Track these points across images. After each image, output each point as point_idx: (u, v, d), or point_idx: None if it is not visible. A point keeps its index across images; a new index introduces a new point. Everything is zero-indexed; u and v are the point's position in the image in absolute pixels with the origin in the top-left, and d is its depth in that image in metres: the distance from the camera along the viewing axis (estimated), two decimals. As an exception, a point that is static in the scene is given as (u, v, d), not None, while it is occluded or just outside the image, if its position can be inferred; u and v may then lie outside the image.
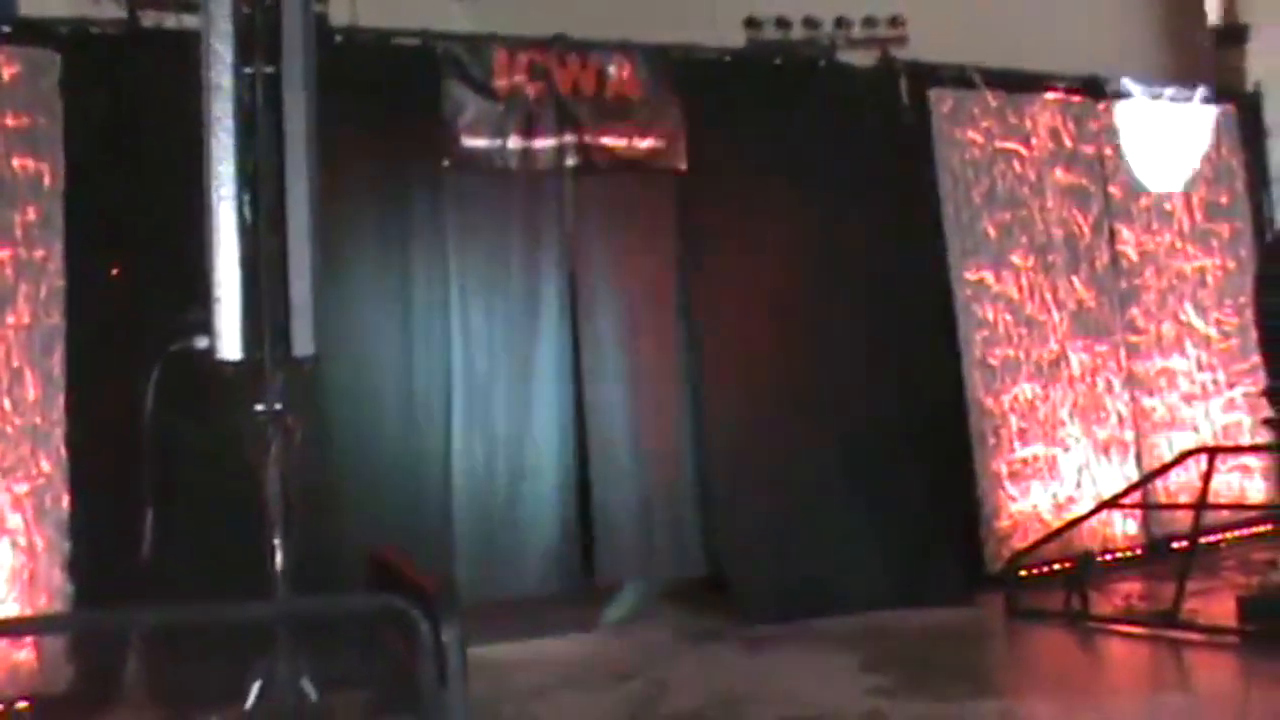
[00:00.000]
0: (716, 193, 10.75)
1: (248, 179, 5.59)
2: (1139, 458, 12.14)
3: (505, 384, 10.15)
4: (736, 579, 10.43)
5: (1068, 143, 12.28)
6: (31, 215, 8.67)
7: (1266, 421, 10.23)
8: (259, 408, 5.73)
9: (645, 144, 10.57)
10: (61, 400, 8.59)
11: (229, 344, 5.47)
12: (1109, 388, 12.12)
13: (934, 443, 11.00)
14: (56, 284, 8.68)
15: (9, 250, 8.61)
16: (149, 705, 7.99)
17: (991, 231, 11.70)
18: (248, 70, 5.62)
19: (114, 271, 8.79)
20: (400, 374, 9.72)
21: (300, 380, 5.87)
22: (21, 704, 8.13)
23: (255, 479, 5.79)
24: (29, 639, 8.19)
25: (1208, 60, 14.21)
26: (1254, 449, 12.78)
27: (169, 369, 5.84)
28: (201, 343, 5.30)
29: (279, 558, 5.78)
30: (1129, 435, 12.17)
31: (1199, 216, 13.01)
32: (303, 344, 5.63)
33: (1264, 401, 12.61)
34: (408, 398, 9.71)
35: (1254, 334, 12.84)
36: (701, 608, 10.46)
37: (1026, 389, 11.64)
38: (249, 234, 5.55)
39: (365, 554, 7.26)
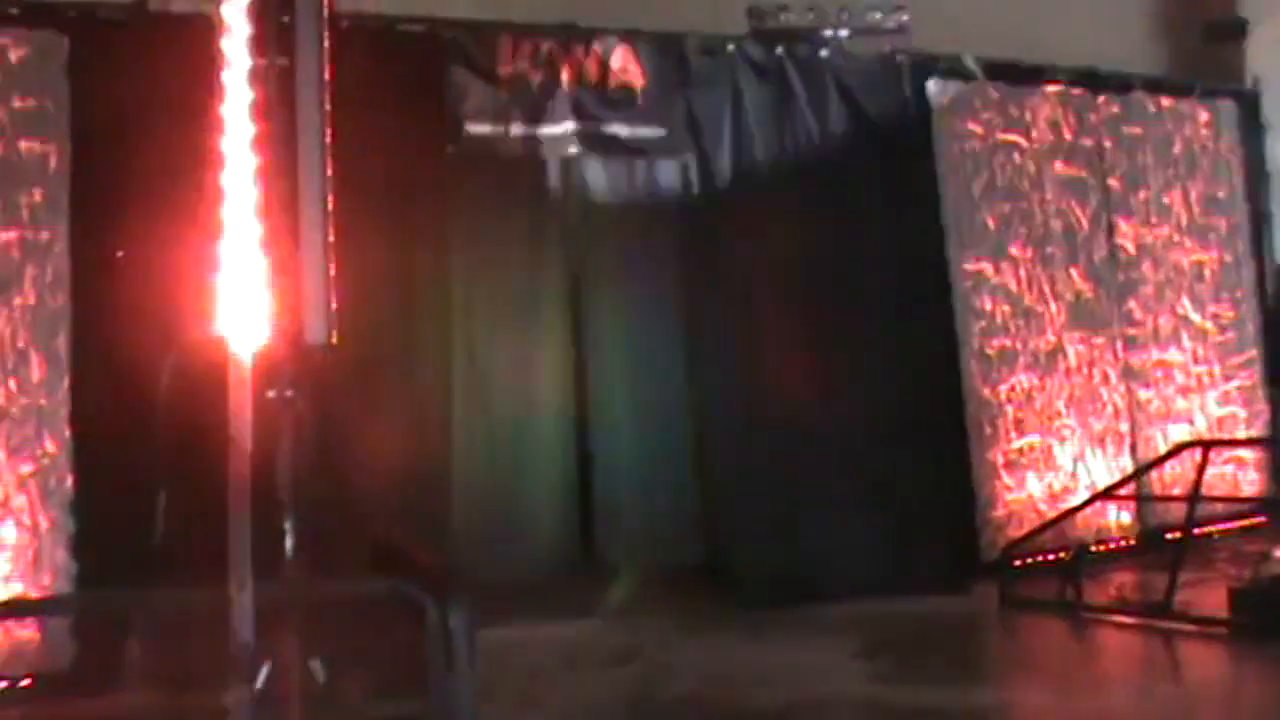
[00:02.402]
0: (718, 181, 10.79)
1: (260, 168, 5.63)
2: (1134, 449, 12.20)
3: (506, 370, 10.21)
4: (735, 565, 10.51)
5: (1067, 135, 12.31)
6: (38, 197, 8.69)
7: None
8: (271, 393, 5.79)
9: (648, 132, 10.61)
10: (66, 381, 8.62)
11: (242, 331, 5.51)
12: (1105, 379, 12.17)
13: (931, 432, 11.06)
14: (62, 265, 8.70)
15: (15, 232, 8.63)
16: (154, 685, 8.04)
17: (990, 223, 11.75)
18: (261, 62, 5.67)
19: (119, 254, 8.80)
20: (402, 359, 9.75)
21: (311, 366, 5.93)
22: (25, 682, 8.17)
23: (265, 464, 5.84)
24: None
25: (1207, 55, 14.25)
26: (1248, 442, 12.86)
27: (183, 354, 5.89)
28: (216, 329, 5.35)
29: (288, 541, 5.84)
30: (1124, 427, 12.22)
31: (1197, 210, 13.05)
32: (315, 331, 5.69)
33: (1259, 393, 12.76)
34: (409, 382, 9.75)
35: (1250, 328, 12.98)
36: (700, 594, 10.49)
37: (1024, 380, 11.69)
38: (262, 222, 5.58)
39: (369, 537, 7.31)
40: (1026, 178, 12.00)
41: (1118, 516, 11.84)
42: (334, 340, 6.37)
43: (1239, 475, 12.74)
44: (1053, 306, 11.94)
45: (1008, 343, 11.67)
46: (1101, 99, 12.59)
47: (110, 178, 8.79)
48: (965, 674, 8.35)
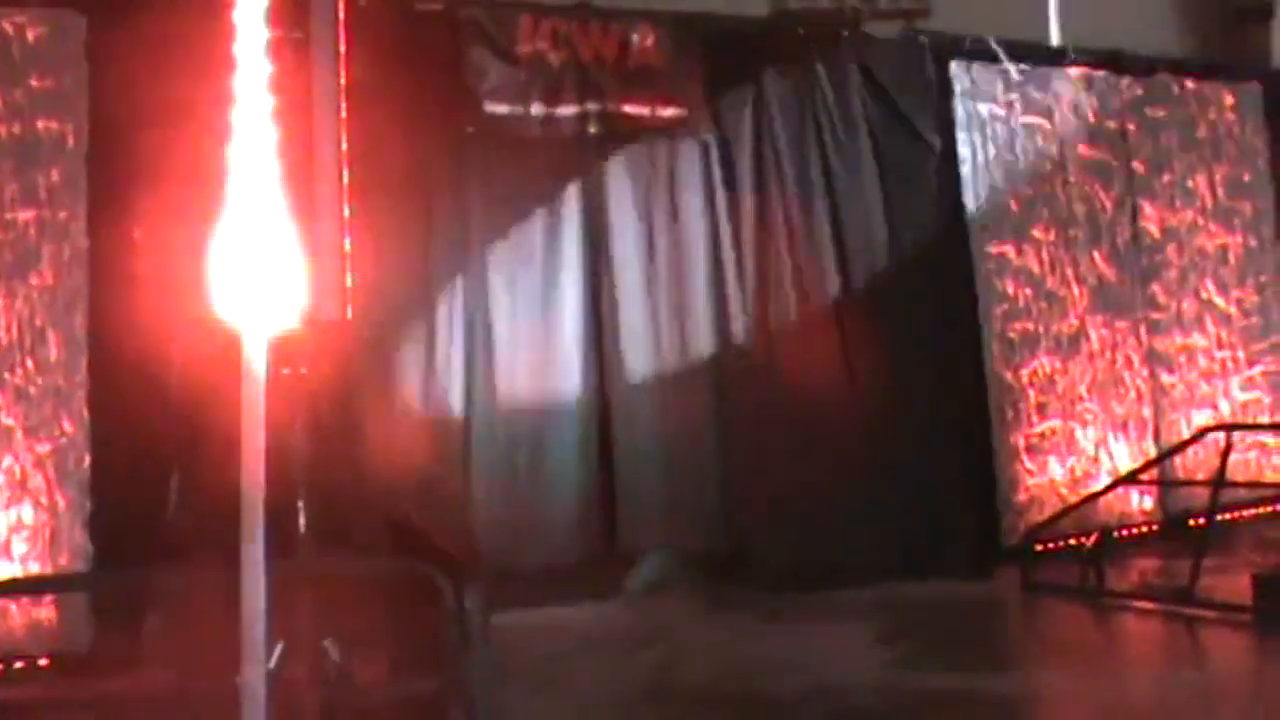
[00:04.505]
0: (739, 162, 10.74)
1: (274, 143, 5.57)
2: (1157, 434, 12.12)
3: (527, 352, 10.17)
4: (755, 550, 10.46)
5: (1090, 118, 12.23)
6: (55, 176, 8.71)
7: None
8: (285, 371, 5.75)
9: (668, 112, 10.55)
10: (84, 361, 8.63)
11: (256, 308, 5.45)
12: (1128, 363, 12.09)
13: (952, 416, 11.00)
14: (80, 244, 8.71)
15: (33, 211, 8.64)
16: (169, 665, 8.03)
17: (1013, 206, 11.68)
18: (276, 34, 5.60)
19: (136, 234, 8.77)
20: (421, 340, 9.75)
21: (325, 343, 5.89)
22: (43, 661, 8.18)
23: (280, 442, 5.80)
24: (50, 597, 8.25)
25: (1233, 37, 14.13)
26: (1272, 427, 12.75)
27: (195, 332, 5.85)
28: (228, 307, 5.29)
29: (302, 520, 5.81)
30: (1147, 411, 12.14)
31: (1221, 194, 12.93)
32: (329, 307, 5.64)
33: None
34: (429, 363, 9.75)
35: (1275, 312, 12.87)
36: (720, 578, 10.41)
37: (1046, 363, 11.62)
38: (276, 199, 5.52)
39: (386, 518, 7.28)
40: (1049, 160, 11.92)
41: (1140, 502, 11.77)
42: (348, 316, 6.34)
43: (1263, 461, 12.64)
44: (1075, 290, 11.85)
45: (1030, 326, 11.60)
46: (1125, 81, 12.48)
47: (128, 157, 8.76)
48: (986, 659, 8.29)
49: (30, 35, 8.70)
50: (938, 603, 9.74)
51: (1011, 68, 11.87)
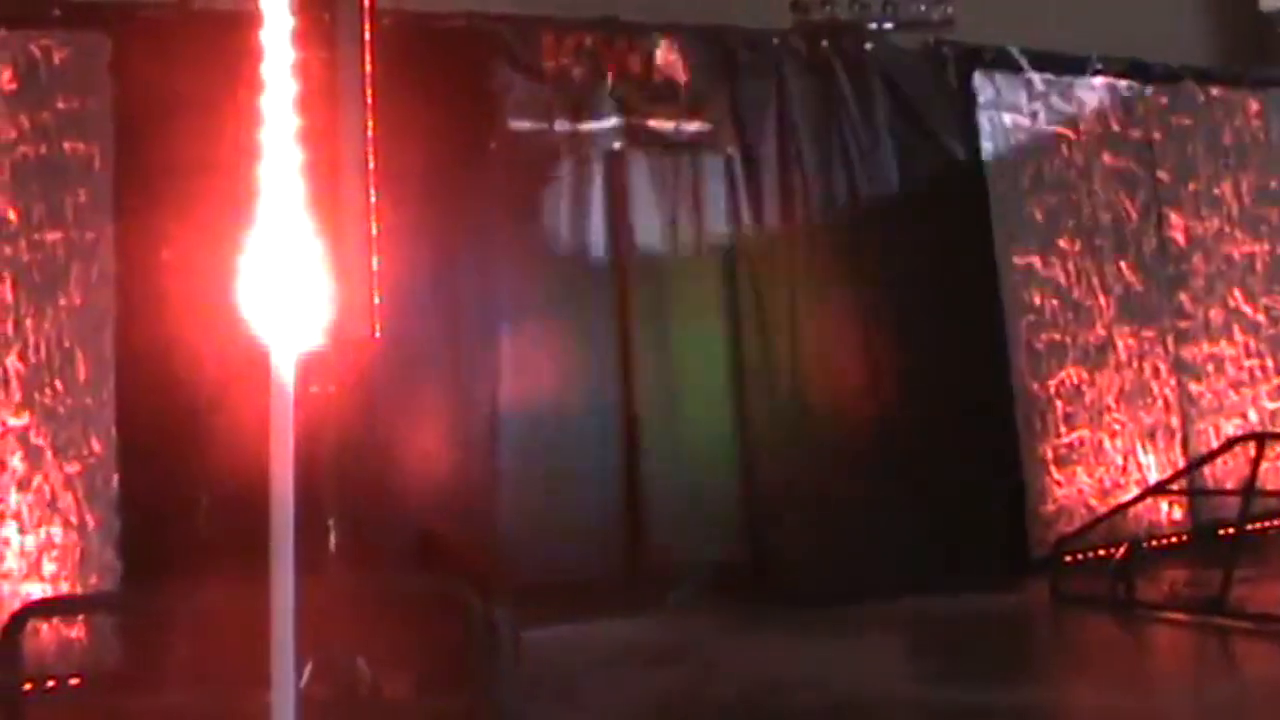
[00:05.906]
0: (763, 176, 10.74)
1: (301, 163, 5.58)
2: (1185, 444, 12.05)
3: (553, 368, 10.15)
4: (783, 565, 10.43)
5: (1115, 126, 12.18)
6: (82, 197, 8.74)
7: None
8: (314, 389, 5.76)
9: (692, 127, 10.57)
10: (112, 381, 8.65)
11: (283, 327, 5.46)
12: (1156, 373, 12.02)
13: (979, 427, 10.95)
14: (107, 265, 8.75)
15: (60, 232, 8.67)
16: (199, 684, 8.04)
17: (1038, 215, 11.63)
18: (303, 55, 5.62)
19: (164, 253, 8.81)
20: (445, 356, 9.74)
21: (354, 361, 5.91)
22: (73, 680, 8.20)
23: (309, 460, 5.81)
24: (80, 616, 8.28)
25: (1260, 40, 14.06)
26: (1304, 436, 12.67)
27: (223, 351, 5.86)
28: (257, 325, 5.31)
29: (332, 537, 5.82)
30: (1175, 421, 12.07)
31: (1248, 201, 12.84)
32: (358, 326, 5.65)
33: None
34: (454, 380, 9.74)
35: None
36: (746, 593, 10.39)
37: (1073, 374, 11.57)
38: (303, 217, 5.54)
39: (416, 535, 7.29)
40: (1074, 169, 11.88)
41: (1170, 512, 11.69)
42: (376, 335, 6.35)
43: (1294, 469, 12.54)
44: (1102, 300, 11.80)
45: (1057, 336, 11.55)
46: (1150, 90, 12.43)
47: (155, 177, 8.81)
48: (1015, 672, 8.27)
49: (56, 58, 8.75)
50: (967, 616, 9.69)
51: (1035, 77, 11.85)
